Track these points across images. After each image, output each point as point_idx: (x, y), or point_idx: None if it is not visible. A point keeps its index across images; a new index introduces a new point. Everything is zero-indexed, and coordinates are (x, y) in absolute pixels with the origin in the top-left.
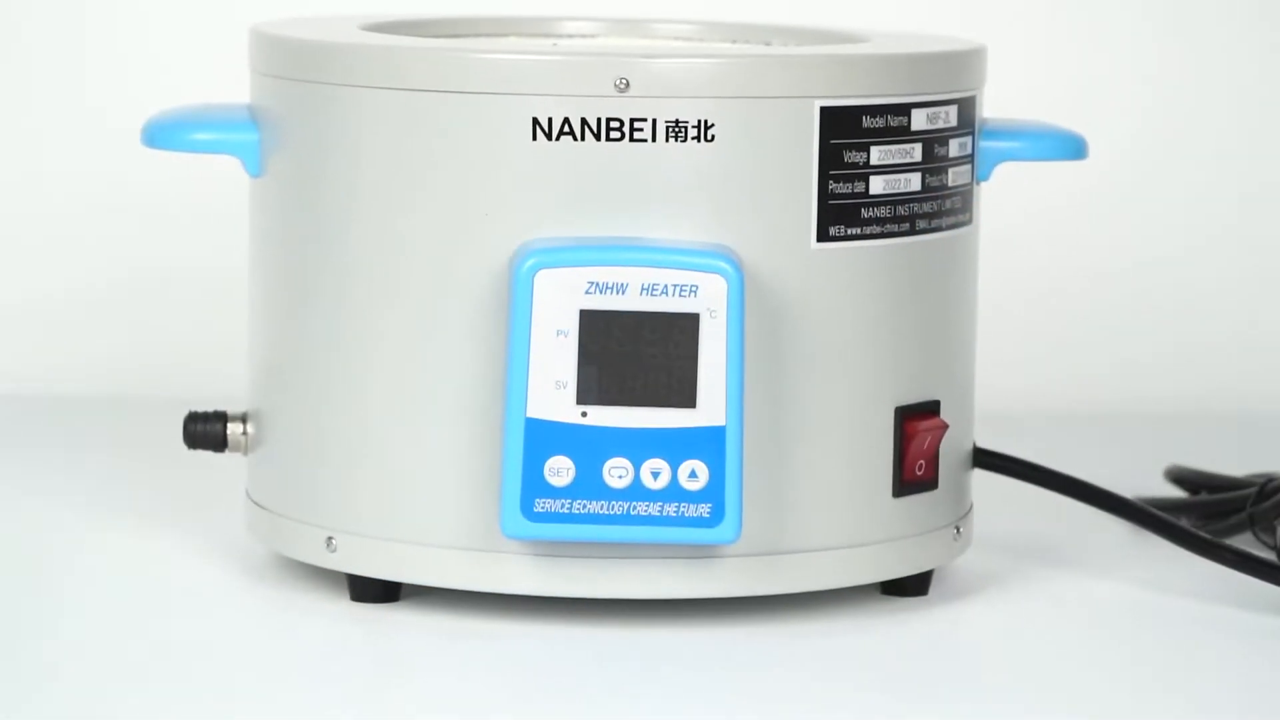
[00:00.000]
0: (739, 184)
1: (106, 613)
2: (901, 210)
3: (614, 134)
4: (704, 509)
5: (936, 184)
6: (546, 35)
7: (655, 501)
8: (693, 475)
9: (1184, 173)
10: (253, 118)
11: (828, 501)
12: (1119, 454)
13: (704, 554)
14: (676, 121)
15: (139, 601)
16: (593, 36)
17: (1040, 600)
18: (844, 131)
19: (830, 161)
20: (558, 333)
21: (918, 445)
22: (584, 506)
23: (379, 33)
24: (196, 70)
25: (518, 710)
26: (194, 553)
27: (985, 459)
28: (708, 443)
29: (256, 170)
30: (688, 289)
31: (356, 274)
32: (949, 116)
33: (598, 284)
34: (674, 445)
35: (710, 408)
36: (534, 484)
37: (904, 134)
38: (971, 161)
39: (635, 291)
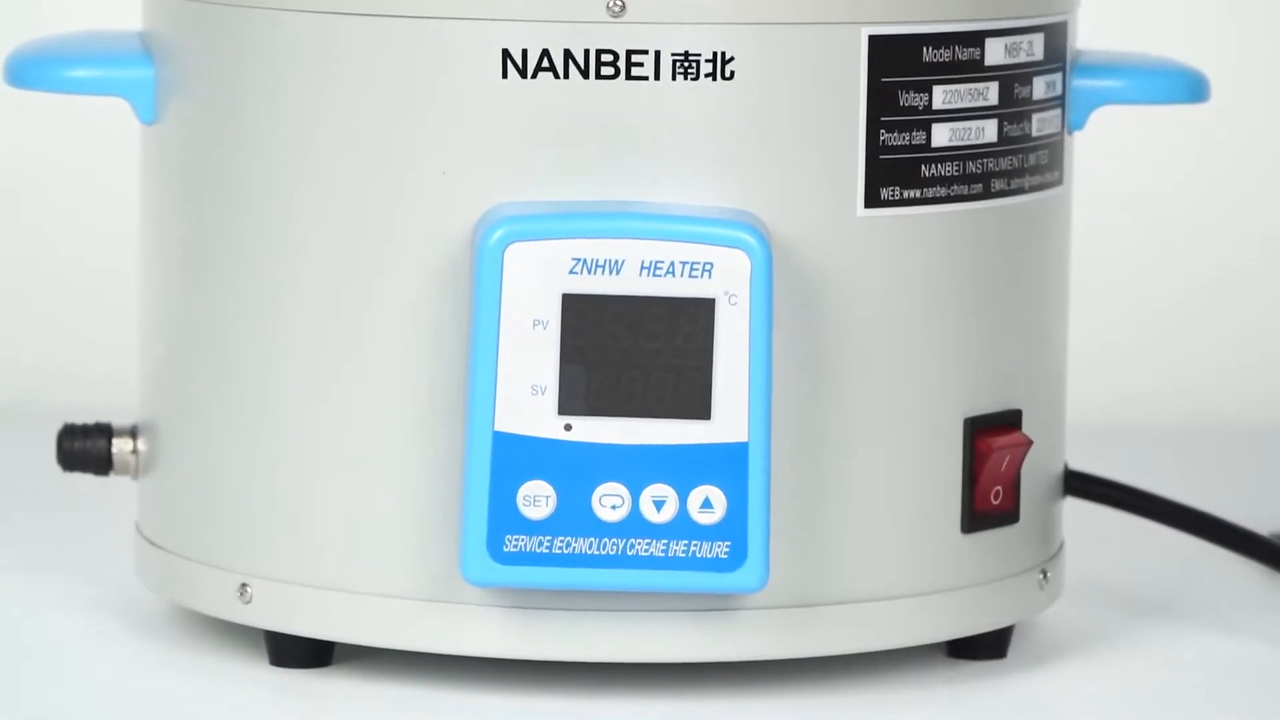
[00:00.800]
0: (765, 134)
1: None
2: (973, 167)
3: (606, 70)
4: (721, 548)
5: (1017, 134)
6: None
7: (659, 538)
8: (706, 505)
9: None
10: (146, 49)
11: (878, 539)
12: (1248, 478)
13: (721, 605)
14: (686, 54)
15: None
16: None
17: (1149, 663)
18: (900, 67)
19: (882, 105)
20: (534, 323)
21: (994, 467)
22: (568, 545)
23: None
24: None
25: None
26: (70, 602)
27: (1079, 484)
28: (726, 464)
29: (150, 115)
30: (700, 268)
31: (278, 249)
32: (1033, 48)
33: (585, 261)
34: (683, 467)
35: (729, 419)
36: (504, 516)
37: (976, 70)
38: (1062, 105)
39: (633, 271)
